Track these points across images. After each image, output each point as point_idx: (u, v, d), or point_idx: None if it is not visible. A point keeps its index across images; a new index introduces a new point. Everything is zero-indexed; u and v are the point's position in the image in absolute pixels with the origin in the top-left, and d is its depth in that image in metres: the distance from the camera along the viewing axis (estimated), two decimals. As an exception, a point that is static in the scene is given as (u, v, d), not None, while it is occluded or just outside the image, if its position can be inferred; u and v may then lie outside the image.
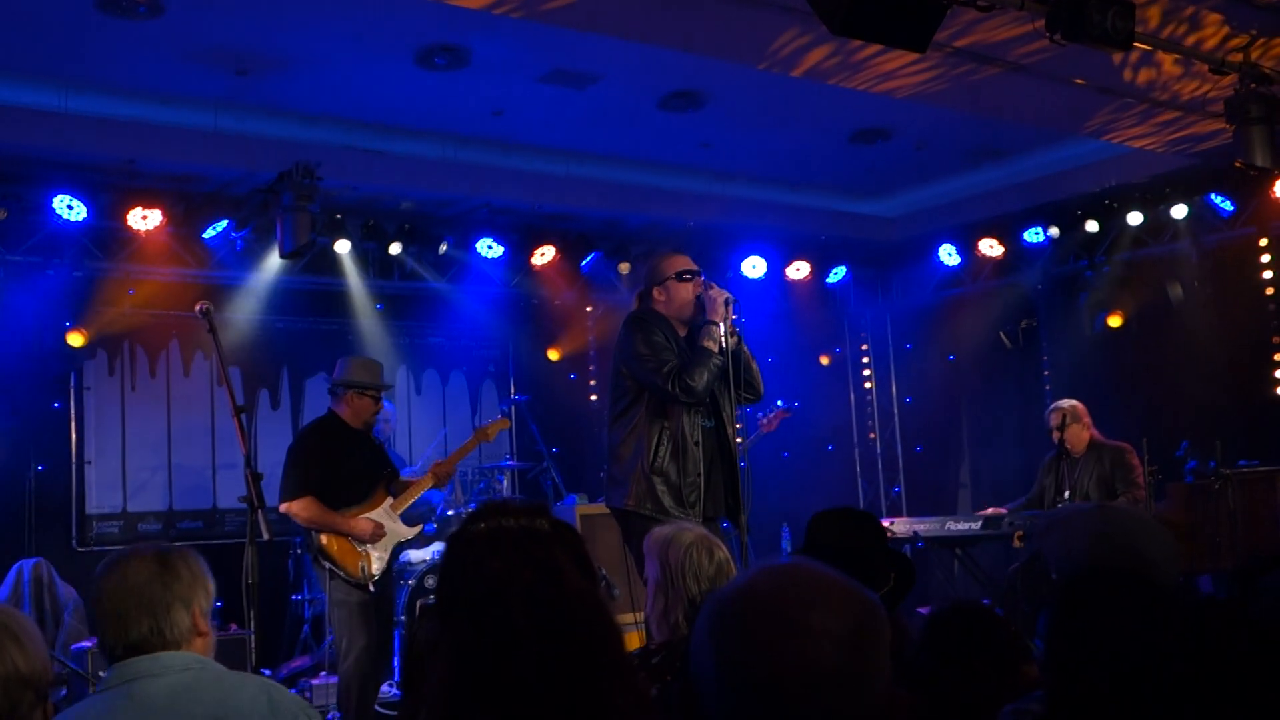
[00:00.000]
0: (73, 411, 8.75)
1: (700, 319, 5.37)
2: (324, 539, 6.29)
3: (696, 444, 5.27)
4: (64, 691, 6.77)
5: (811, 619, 1.54)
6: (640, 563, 5.16)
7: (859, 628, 1.56)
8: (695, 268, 5.46)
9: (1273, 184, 8.40)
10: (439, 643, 1.79)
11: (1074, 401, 7.95)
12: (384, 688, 6.88)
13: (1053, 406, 8.03)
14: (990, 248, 10.36)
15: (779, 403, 9.10)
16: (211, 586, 2.76)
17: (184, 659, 2.64)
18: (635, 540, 5.21)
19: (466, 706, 1.71)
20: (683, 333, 5.42)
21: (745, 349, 5.42)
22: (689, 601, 3.46)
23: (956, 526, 8.46)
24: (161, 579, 2.66)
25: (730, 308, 5.33)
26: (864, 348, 11.99)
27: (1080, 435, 7.85)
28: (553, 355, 10.61)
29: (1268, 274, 9.15)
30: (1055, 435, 7.76)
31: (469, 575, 1.80)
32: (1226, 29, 6.29)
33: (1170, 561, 2.43)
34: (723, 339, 5.25)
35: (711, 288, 5.37)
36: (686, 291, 5.39)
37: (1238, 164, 6.78)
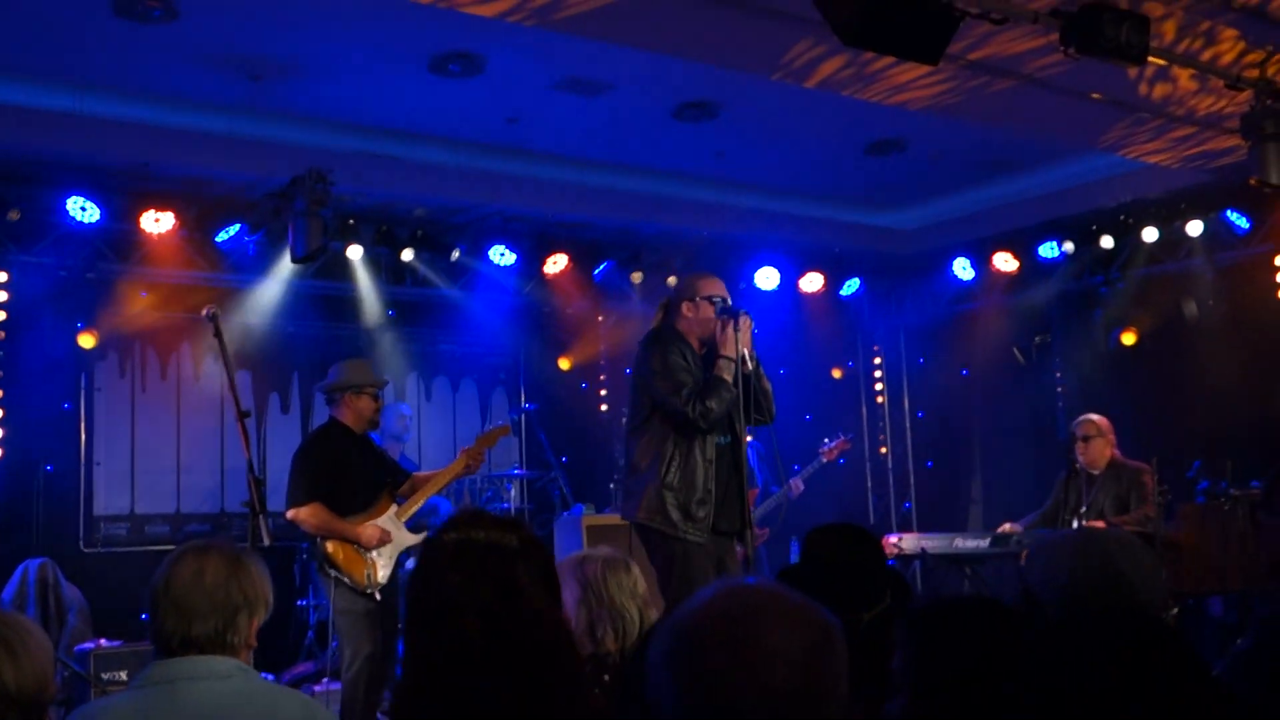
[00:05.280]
0: (83, 413, 8.76)
1: (718, 340, 5.44)
2: (330, 546, 6.27)
3: (710, 461, 5.37)
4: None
5: (767, 639, 1.54)
6: (662, 573, 5.29)
7: (814, 648, 1.56)
8: (726, 296, 5.56)
9: (1289, 202, 8.33)
10: (406, 645, 1.84)
11: (1103, 417, 7.85)
12: (387, 696, 6.85)
13: (1084, 418, 7.90)
14: (1005, 262, 10.31)
15: (842, 434, 9.25)
16: (272, 600, 2.75)
17: (228, 665, 2.61)
18: (651, 552, 5.38)
19: (421, 713, 1.74)
20: (701, 351, 5.51)
21: (763, 373, 5.55)
22: (616, 613, 3.52)
23: (964, 544, 8.38)
24: (237, 581, 2.65)
25: (750, 331, 5.44)
26: (876, 361, 11.95)
27: (1102, 451, 7.74)
28: (563, 364, 10.60)
29: (1283, 291, 9.09)
30: (1079, 446, 7.68)
31: (431, 586, 1.84)
32: (1242, 44, 6.25)
33: (1149, 579, 2.42)
34: (740, 365, 5.36)
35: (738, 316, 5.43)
36: (712, 314, 5.47)
37: (1253, 181, 6.73)
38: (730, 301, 5.58)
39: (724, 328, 5.43)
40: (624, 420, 8.84)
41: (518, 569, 1.83)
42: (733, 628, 1.56)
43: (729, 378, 5.34)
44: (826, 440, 9.24)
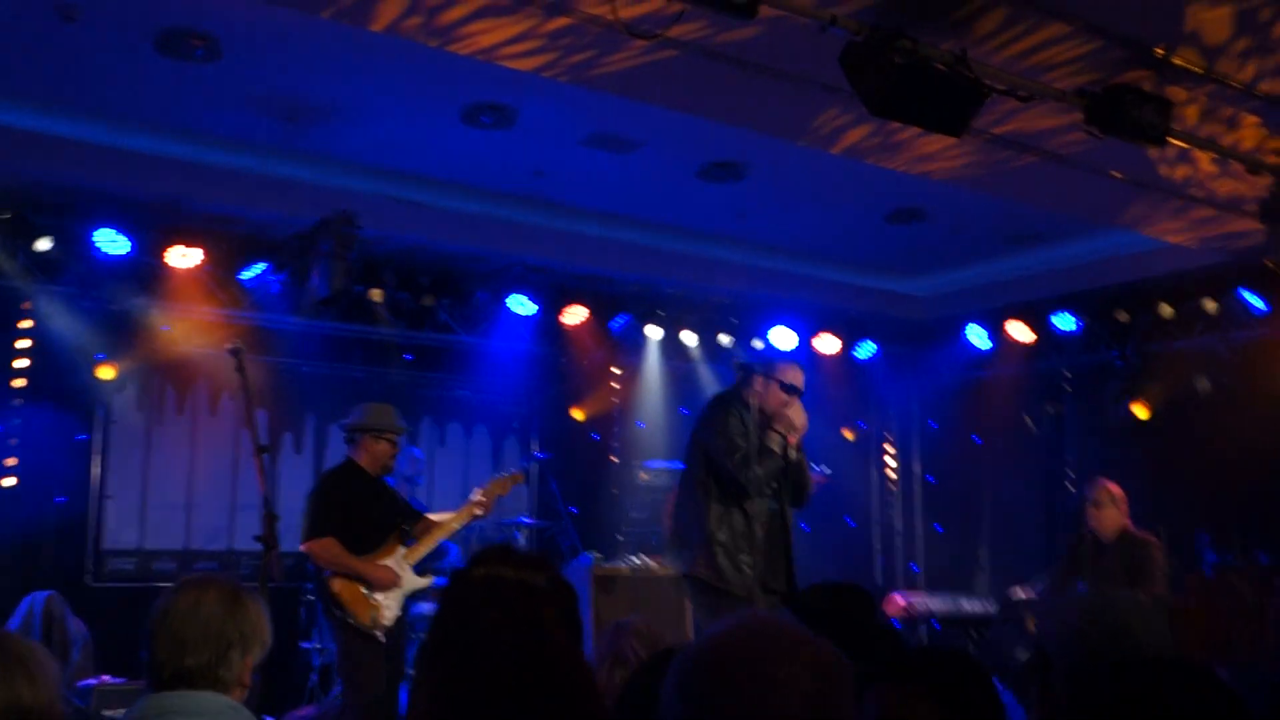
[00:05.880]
0: (98, 445, 8.77)
1: (774, 417, 5.92)
2: (336, 585, 6.28)
3: (759, 520, 5.79)
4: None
5: (779, 671, 1.57)
6: (705, 625, 5.56)
7: (824, 681, 1.59)
8: (801, 389, 6.02)
9: (1306, 285, 8.38)
10: (426, 683, 1.81)
11: (1116, 486, 7.85)
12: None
13: (1098, 483, 7.88)
14: (1020, 332, 10.37)
15: (817, 466, 9.19)
16: (269, 640, 2.73)
17: (220, 703, 2.59)
18: (697, 601, 5.84)
19: None
20: (759, 420, 5.92)
21: (806, 463, 6.06)
22: (619, 652, 3.76)
23: (971, 607, 8.39)
24: (233, 616, 2.65)
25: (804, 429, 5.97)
26: (889, 424, 11.97)
27: (1114, 519, 7.70)
28: (577, 415, 10.61)
29: (1297, 373, 9.11)
30: (1090, 511, 7.65)
31: (459, 622, 1.82)
32: (1264, 131, 6.30)
33: (1160, 642, 2.42)
34: (789, 450, 5.90)
35: (794, 405, 5.93)
36: (780, 399, 5.94)
37: (1269, 264, 6.79)
38: (801, 389, 6.01)
39: (785, 407, 5.89)
40: (627, 470, 8.91)
41: (545, 608, 1.82)
42: (745, 658, 1.59)
43: (778, 451, 5.83)
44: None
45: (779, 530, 5.90)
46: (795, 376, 6.02)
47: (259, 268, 8.60)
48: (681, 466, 6.21)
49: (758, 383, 5.98)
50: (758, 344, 10.21)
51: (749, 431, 5.83)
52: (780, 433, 5.86)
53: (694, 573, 5.74)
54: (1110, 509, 7.69)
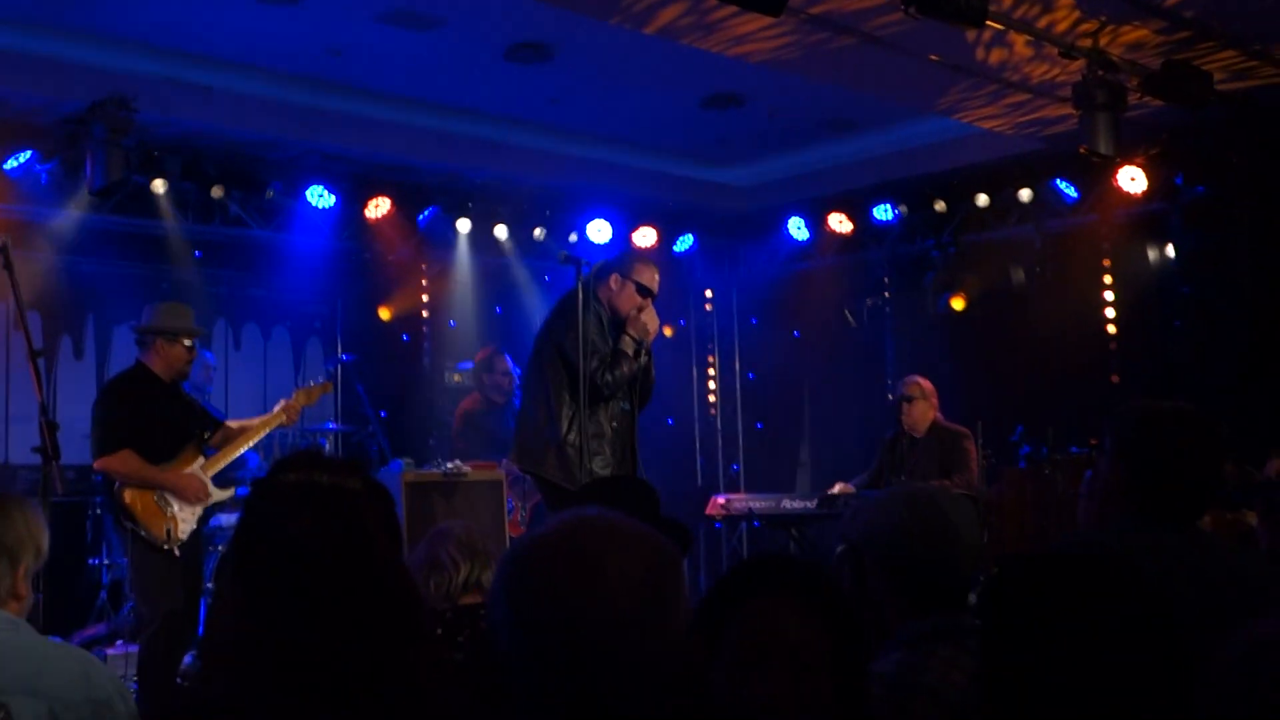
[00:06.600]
0: None
1: (628, 321, 5.84)
2: (128, 496, 5.97)
3: (612, 422, 5.78)
4: None
5: (607, 564, 1.55)
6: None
7: (655, 572, 1.58)
8: (656, 292, 5.91)
9: (1115, 172, 8.47)
10: (231, 597, 1.70)
11: (926, 380, 7.92)
12: (187, 659, 6.53)
13: (908, 379, 7.98)
14: (839, 223, 10.30)
15: None
16: (44, 547, 2.65)
17: None
18: (547, 502, 5.87)
19: (263, 668, 1.63)
20: (610, 320, 5.85)
21: (652, 366, 6.03)
22: (438, 565, 3.78)
23: (792, 505, 8.44)
24: None
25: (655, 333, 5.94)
26: (708, 320, 11.86)
27: (925, 414, 7.82)
28: (384, 314, 10.26)
29: (1106, 261, 9.27)
30: (902, 407, 7.74)
31: (274, 530, 1.69)
32: (1077, 14, 6.38)
33: (972, 534, 2.49)
34: (641, 354, 5.83)
35: (647, 309, 5.84)
36: (635, 301, 5.83)
37: (1082, 150, 6.83)
38: (656, 292, 5.90)
39: (639, 311, 5.79)
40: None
41: (364, 513, 1.71)
42: (573, 553, 1.57)
43: (631, 354, 5.76)
44: None
45: (627, 429, 5.89)
46: (651, 278, 5.88)
47: (24, 156, 7.96)
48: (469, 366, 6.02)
49: (613, 280, 5.82)
50: (500, 229, 10.01)
51: (605, 333, 5.74)
52: (634, 336, 5.77)
53: (543, 474, 5.70)
54: (921, 403, 7.79)
